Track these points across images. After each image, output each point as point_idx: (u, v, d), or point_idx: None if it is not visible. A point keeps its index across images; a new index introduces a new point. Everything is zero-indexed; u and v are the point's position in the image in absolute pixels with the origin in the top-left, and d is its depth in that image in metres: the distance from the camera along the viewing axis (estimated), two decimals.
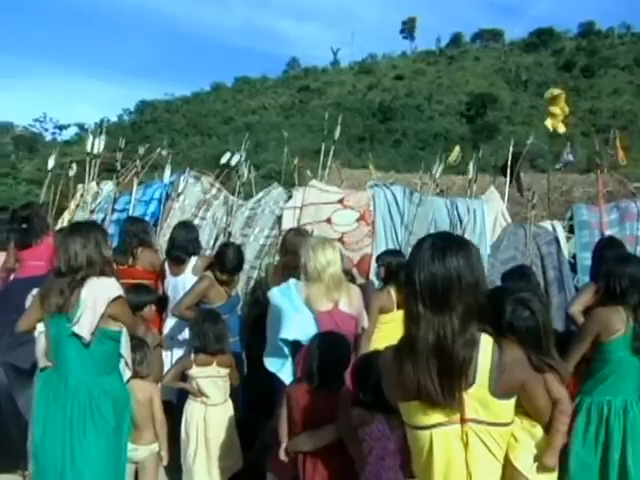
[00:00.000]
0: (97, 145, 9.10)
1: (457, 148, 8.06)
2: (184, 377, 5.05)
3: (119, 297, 4.02)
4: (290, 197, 7.29)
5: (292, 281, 4.84)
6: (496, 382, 2.47)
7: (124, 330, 4.11)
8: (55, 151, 9.04)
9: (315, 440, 3.87)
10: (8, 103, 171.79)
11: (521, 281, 4.71)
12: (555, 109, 7.94)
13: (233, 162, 8.22)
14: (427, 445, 2.55)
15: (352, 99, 63.77)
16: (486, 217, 6.77)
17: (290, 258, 5.46)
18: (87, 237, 3.99)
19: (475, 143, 51.63)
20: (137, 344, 4.39)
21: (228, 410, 5.01)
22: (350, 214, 6.93)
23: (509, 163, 8.10)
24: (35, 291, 4.23)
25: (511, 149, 8.36)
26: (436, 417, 2.52)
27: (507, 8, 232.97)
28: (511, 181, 8.03)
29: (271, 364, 4.80)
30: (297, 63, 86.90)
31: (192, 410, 4.99)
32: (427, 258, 2.52)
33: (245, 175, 7.68)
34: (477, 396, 2.48)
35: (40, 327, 4.15)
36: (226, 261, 5.57)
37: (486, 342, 2.50)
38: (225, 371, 5.03)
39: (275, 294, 4.83)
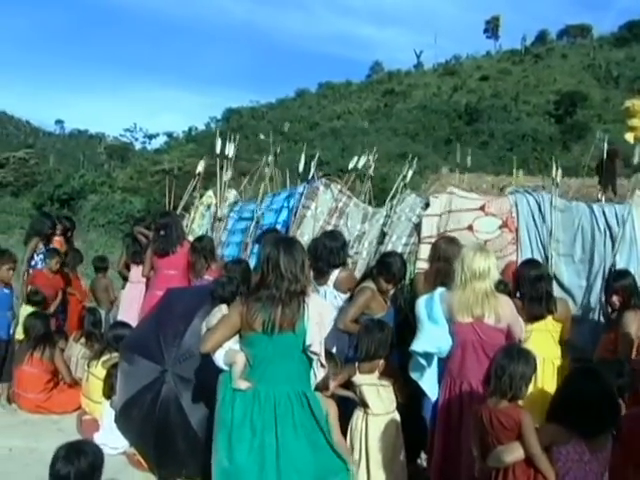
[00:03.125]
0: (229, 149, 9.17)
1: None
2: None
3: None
4: (427, 204, 7.19)
5: (439, 290, 4.83)
6: None
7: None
8: (206, 158, 9.13)
9: (506, 456, 3.77)
10: (100, 114, 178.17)
11: None
12: (634, 121, 7.67)
13: (360, 165, 8.18)
14: None
15: (437, 101, 63.08)
16: (636, 223, 6.47)
17: (443, 266, 5.39)
18: (297, 253, 3.97)
19: (565, 143, 50.38)
20: None
21: (393, 422, 4.94)
22: (492, 221, 6.75)
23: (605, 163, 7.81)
24: (224, 308, 4.22)
25: (605, 147, 8.06)
26: None
27: (594, 2, 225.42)
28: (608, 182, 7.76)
29: (413, 374, 4.89)
30: (380, 67, 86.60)
31: (356, 419, 4.97)
32: None
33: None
34: None
35: (227, 346, 4.11)
36: (395, 270, 5.53)
37: None
38: (387, 381, 4.99)
39: (419, 304, 4.88)
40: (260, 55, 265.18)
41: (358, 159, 8.10)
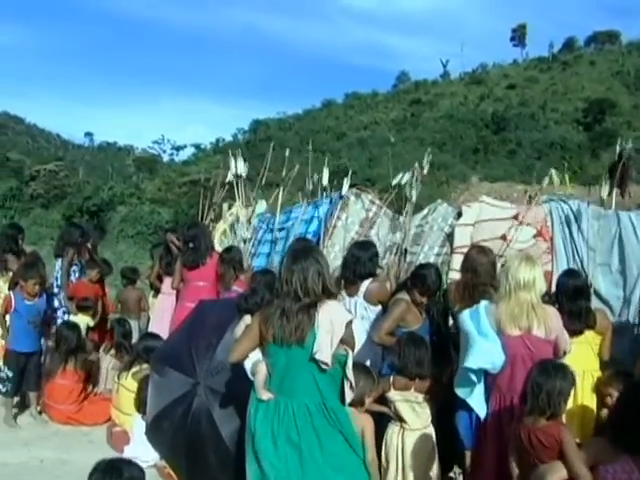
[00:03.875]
0: (240, 167, 9.10)
1: (552, 171, 7.52)
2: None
3: (351, 321, 3.94)
4: (459, 214, 7.09)
5: (483, 303, 4.71)
6: None
7: (350, 353, 4.00)
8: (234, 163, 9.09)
9: (550, 476, 3.66)
10: (128, 127, 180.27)
11: None
12: None
13: (404, 181, 8.02)
14: None
15: (464, 110, 62.65)
16: None
17: (471, 276, 5.31)
18: (319, 262, 3.90)
19: (594, 151, 49.77)
20: None
21: (428, 437, 4.86)
22: (527, 230, 6.61)
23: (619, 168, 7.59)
24: (248, 318, 4.17)
25: (617, 150, 7.87)
26: None
27: (622, 8, 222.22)
28: (619, 186, 7.57)
29: (461, 391, 4.69)
30: (407, 77, 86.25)
31: (392, 434, 4.90)
32: None
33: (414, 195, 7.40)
34: None
35: (253, 356, 4.06)
36: (430, 283, 5.44)
37: None
38: (423, 397, 4.90)
39: (464, 319, 4.72)
40: (286, 66, 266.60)
41: (402, 175, 7.85)
